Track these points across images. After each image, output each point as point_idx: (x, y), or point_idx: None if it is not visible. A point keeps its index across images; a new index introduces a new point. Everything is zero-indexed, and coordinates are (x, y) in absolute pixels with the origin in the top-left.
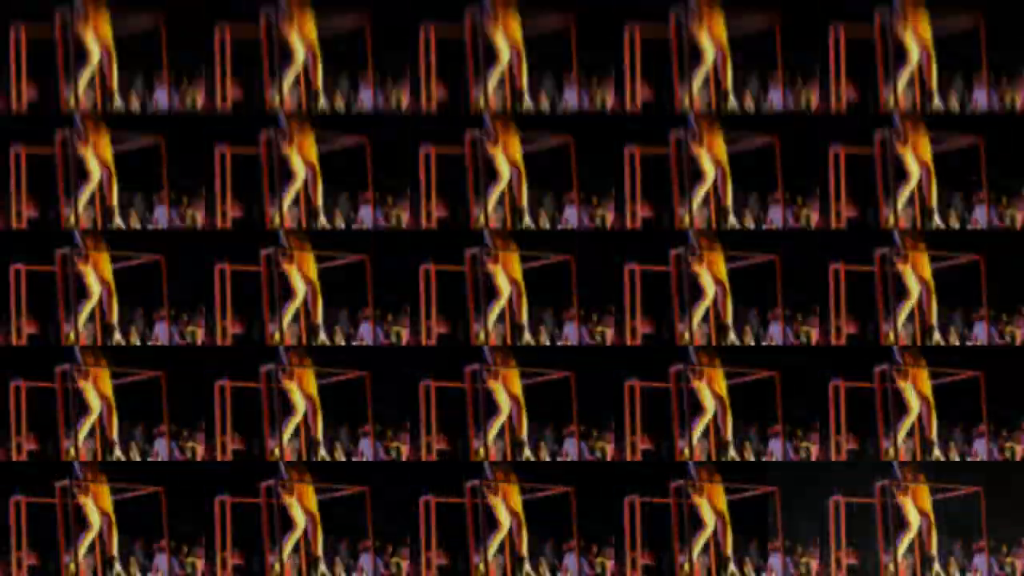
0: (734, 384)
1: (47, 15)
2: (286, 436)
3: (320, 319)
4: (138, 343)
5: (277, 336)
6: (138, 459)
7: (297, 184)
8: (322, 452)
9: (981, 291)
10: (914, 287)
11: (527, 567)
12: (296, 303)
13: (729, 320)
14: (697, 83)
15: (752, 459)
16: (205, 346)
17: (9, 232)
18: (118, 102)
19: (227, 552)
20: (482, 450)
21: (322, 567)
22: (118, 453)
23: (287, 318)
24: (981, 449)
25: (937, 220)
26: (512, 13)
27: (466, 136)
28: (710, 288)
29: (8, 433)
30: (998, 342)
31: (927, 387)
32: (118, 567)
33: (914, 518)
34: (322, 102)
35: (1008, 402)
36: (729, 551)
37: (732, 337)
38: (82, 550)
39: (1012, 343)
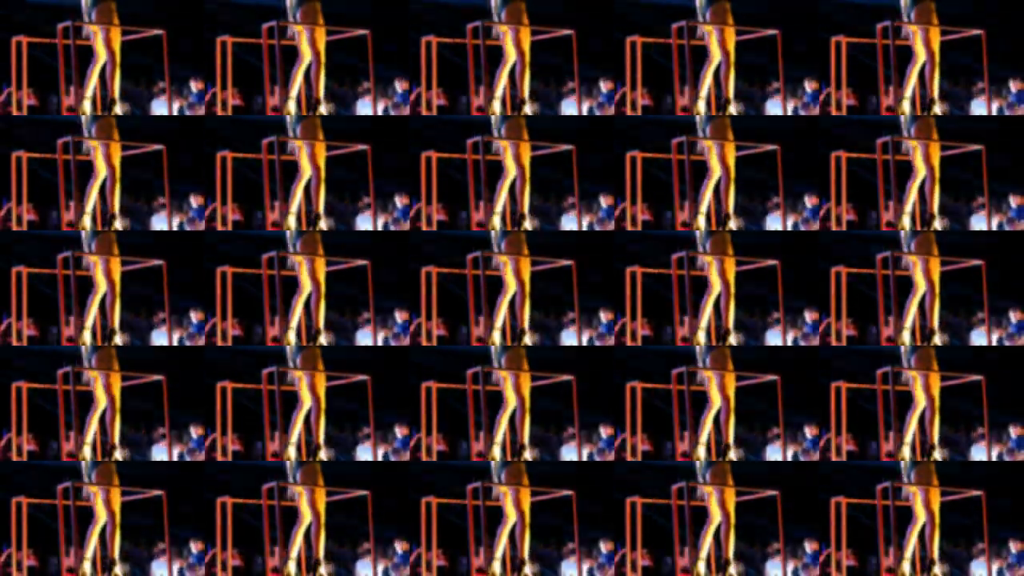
0: (736, 386)
1: (51, 24)
2: (290, 437)
3: (322, 322)
4: (139, 345)
5: (279, 338)
6: (138, 460)
7: (299, 188)
8: (323, 454)
9: (983, 294)
10: (916, 290)
11: (527, 568)
12: (298, 306)
13: (731, 323)
14: (698, 90)
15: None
16: (206, 348)
17: (10, 235)
18: (120, 108)
19: (228, 552)
20: (483, 451)
21: (323, 568)
22: (119, 455)
23: (288, 321)
24: (981, 452)
25: (938, 224)
26: (517, 23)
27: (468, 141)
28: (712, 291)
29: (9, 434)
30: (998, 344)
31: (934, 389)
32: (118, 568)
33: (916, 519)
34: (323, 109)
35: (1009, 404)
36: (731, 553)
37: (735, 340)
38: (85, 551)
39: (1013, 346)
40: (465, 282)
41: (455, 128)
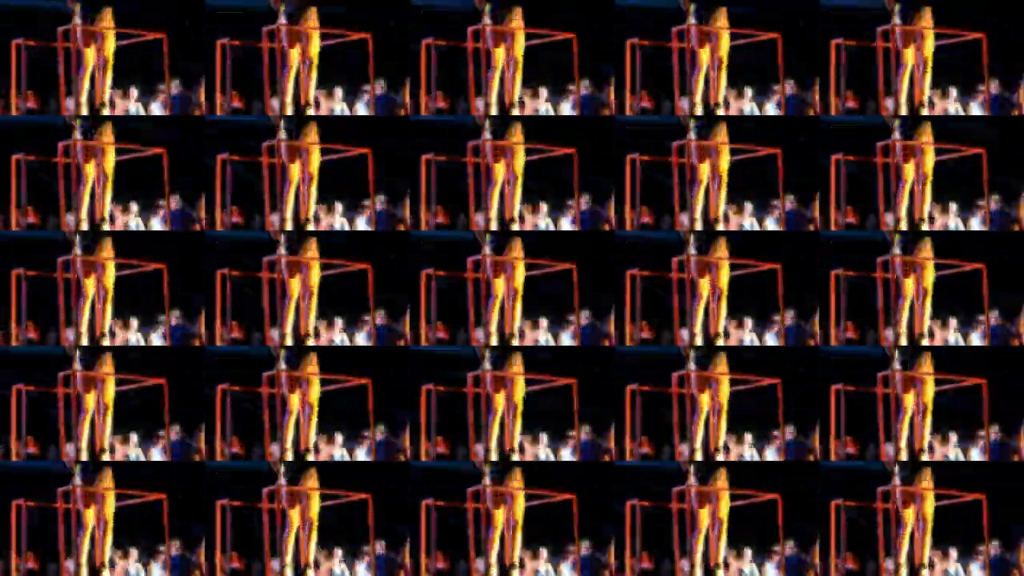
0: (735, 390)
1: (50, 27)
2: (288, 440)
3: (322, 324)
4: (138, 347)
5: (276, 341)
6: (138, 462)
7: (296, 191)
8: (323, 456)
9: (983, 296)
10: (913, 292)
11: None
12: (293, 308)
13: (725, 326)
14: (697, 92)
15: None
16: (205, 350)
17: (10, 237)
18: (119, 111)
19: (227, 555)
20: (482, 453)
21: (323, 571)
22: (119, 456)
23: (288, 323)
24: (981, 454)
25: (938, 226)
26: (514, 26)
27: (467, 144)
28: (709, 293)
29: (9, 437)
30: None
31: (929, 392)
32: (118, 570)
33: (914, 521)
34: (323, 111)
35: (1011, 406)
36: (722, 556)
37: (732, 342)
38: (82, 555)
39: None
40: (464, 285)
41: (454, 130)
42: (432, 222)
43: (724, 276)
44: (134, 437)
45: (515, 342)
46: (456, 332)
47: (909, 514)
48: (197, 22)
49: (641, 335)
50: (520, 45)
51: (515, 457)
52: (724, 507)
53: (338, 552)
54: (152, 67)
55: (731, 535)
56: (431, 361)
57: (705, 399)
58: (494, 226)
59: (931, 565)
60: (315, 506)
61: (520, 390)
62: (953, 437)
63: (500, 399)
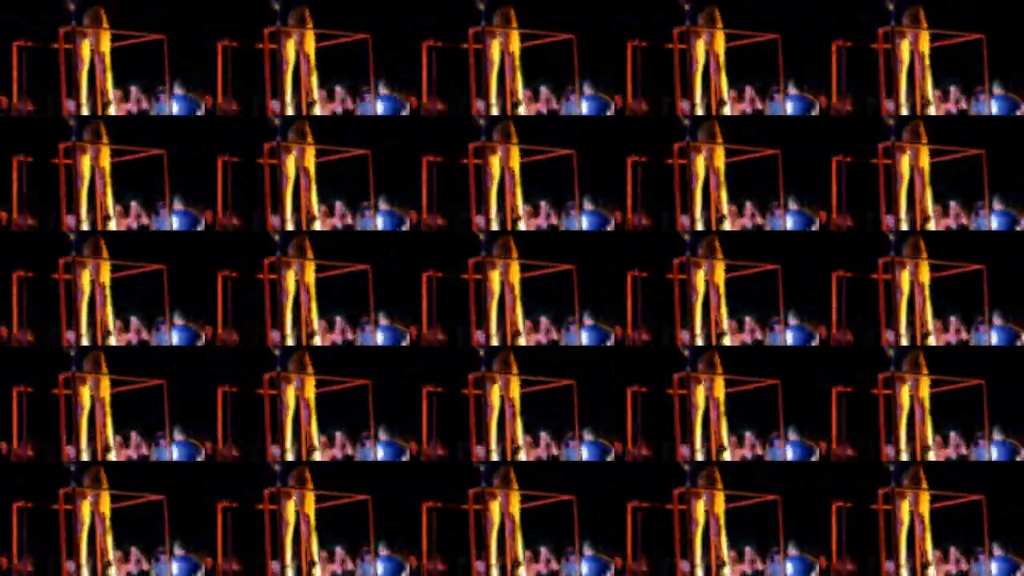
0: (736, 391)
1: (51, 28)
2: (287, 441)
3: (321, 325)
4: (138, 349)
5: (277, 342)
6: (137, 464)
7: (298, 192)
8: (322, 457)
9: (983, 297)
10: (914, 294)
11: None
12: (296, 309)
13: (725, 327)
14: (697, 94)
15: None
16: (207, 351)
17: (10, 239)
18: (120, 112)
19: (228, 557)
20: (483, 455)
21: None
22: (118, 458)
23: (288, 324)
24: (982, 455)
25: (938, 227)
26: (514, 28)
27: (469, 146)
28: (710, 294)
29: (9, 438)
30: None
31: (926, 393)
32: (117, 571)
33: (915, 523)
34: (323, 112)
35: (1012, 407)
36: (725, 556)
37: (732, 343)
38: (82, 555)
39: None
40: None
41: (454, 132)
42: (433, 223)
43: (720, 276)
44: (135, 437)
45: (521, 341)
46: (456, 332)
47: (907, 515)
48: (197, 22)
49: (641, 336)
50: (515, 46)
51: (521, 456)
52: (720, 505)
53: (339, 553)
54: (152, 67)
55: (731, 536)
56: (431, 362)
57: (704, 400)
58: (495, 226)
59: (931, 566)
60: (311, 506)
61: (516, 391)
62: (953, 437)
63: (497, 400)
